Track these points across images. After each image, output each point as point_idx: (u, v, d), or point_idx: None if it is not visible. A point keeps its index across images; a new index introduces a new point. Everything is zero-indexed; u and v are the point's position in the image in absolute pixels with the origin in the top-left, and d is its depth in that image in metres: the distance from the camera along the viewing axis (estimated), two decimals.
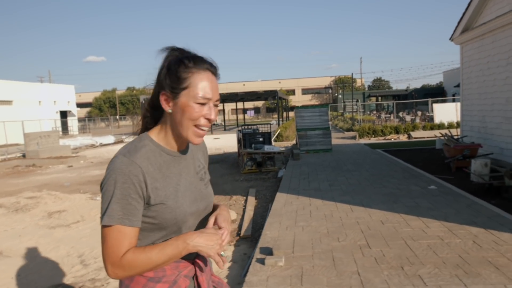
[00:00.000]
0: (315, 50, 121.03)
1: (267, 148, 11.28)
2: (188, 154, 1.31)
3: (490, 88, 8.46)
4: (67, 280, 4.28)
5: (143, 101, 29.48)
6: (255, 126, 12.75)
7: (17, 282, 4.29)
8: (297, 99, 63.56)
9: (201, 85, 1.15)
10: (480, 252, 3.83)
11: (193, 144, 1.23)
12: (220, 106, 45.99)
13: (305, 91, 66.11)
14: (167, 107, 1.18)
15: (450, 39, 10.05)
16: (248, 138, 11.84)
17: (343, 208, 5.78)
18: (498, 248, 3.89)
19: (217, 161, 14.04)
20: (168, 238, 1.21)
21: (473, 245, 4.01)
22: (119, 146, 22.56)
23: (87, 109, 65.89)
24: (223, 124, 38.22)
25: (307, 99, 64.53)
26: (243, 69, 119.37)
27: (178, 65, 1.16)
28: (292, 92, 64.48)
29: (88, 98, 67.46)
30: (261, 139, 11.90)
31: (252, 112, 56.91)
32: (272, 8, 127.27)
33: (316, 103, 62.71)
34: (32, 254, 5.20)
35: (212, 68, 1.20)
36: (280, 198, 6.71)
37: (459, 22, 9.45)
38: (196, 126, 1.17)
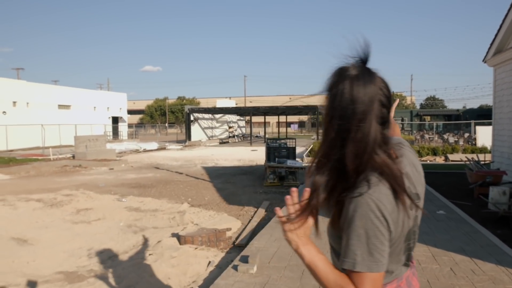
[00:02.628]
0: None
1: (289, 162, 11.48)
2: None
3: None
4: (70, 268, 4.81)
5: (188, 111, 30.88)
6: (282, 141, 12.99)
7: (29, 267, 4.90)
8: None
9: None
10: (451, 279, 3.82)
11: None
12: (262, 119, 46.66)
13: None
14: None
15: (483, 61, 9.71)
16: (272, 151, 12.11)
17: None
18: (471, 277, 3.84)
19: (246, 173, 14.44)
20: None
21: (448, 272, 3.99)
22: (161, 153, 23.76)
23: (140, 116, 69.67)
24: (263, 136, 38.80)
25: None
26: (289, 82, 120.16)
27: None
28: None
29: (142, 105, 71.37)
30: (285, 153, 12.11)
31: (296, 125, 56.96)
32: (321, 26, 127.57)
33: None
34: (51, 243, 5.85)
35: None
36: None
37: (491, 44, 9.13)
38: None
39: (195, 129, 32.09)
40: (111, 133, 36.29)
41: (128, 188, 11.18)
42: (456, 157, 15.74)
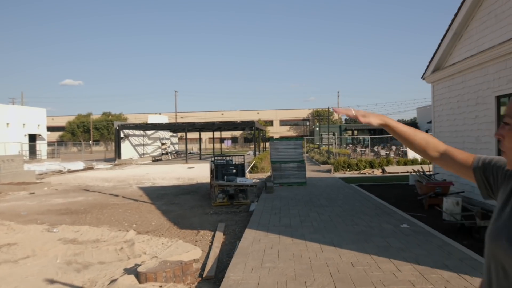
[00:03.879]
0: (293, 83, 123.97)
1: (239, 180, 10.99)
2: None
3: (461, 126, 8.60)
4: None
5: (117, 127, 28.93)
6: (228, 157, 12.49)
7: None
8: (275, 130, 64.05)
9: None
10: None
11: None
12: (197, 135, 45.65)
13: (283, 123, 66.82)
14: None
15: (422, 77, 10.30)
16: (220, 169, 11.54)
17: (313, 247, 5.51)
18: None
19: (189, 192, 13.61)
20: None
21: None
22: (89, 173, 21.71)
23: (60, 133, 64.09)
24: (199, 153, 37.82)
25: (285, 131, 65.12)
26: (220, 98, 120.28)
27: None
28: (270, 123, 65.00)
29: (62, 122, 65.78)
30: (234, 171, 11.62)
31: (230, 141, 56.76)
32: (253, 40, 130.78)
33: (294, 134, 63.33)
34: None
35: None
36: (249, 235, 6.38)
37: (430, 62, 9.71)
38: None
39: (125, 146, 30.13)
40: (27, 153, 32.51)
41: (57, 216, 9.77)
42: (392, 169, 16.60)
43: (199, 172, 20.89)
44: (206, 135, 54.88)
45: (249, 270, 4.63)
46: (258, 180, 14.69)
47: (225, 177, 11.22)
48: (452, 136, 9.07)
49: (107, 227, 8.36)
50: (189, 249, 6.26)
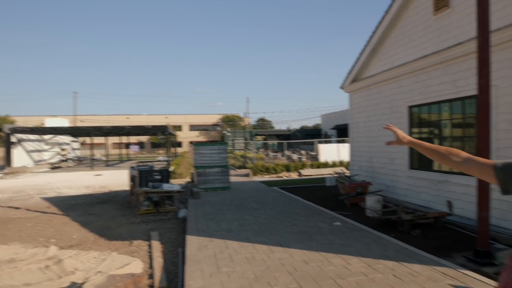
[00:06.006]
0: (200, 87, 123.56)
1: (166, 186, 10.60)
2: None
3: (377, 132, 9.58)
4: None
5: (9, 131, 25.40)
6: (150, 163, 11.93)
7: None
8: (185, 135, 63.02)
9: None
10: (403, 285, 4.04)
11: None
12: (100, 140, 42.54)
13: (193, 128, 66.09)
14: None
15: (340, 87, 11.22)
16: (145, 175, 10.97)
17: (262, 249, 5.61)
18: (416, 280, 4.16)
19: (104, 201, 12.62)
20: None
21: (394, 279, 4.22)
22: None
23: None
24: (104, 159, 35.21)
25: (195, 136, 64.48)
26: (124, 102, 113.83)
27: None
28: (179, 128, 63.75)
29: None
30: (159, 177, 11.15)
31: (136, 147, 54.04)
32: (158, 44, 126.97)
33: (204, 139, 63.08)
34: None
35: None
36: (192, 241, 6.21)
37: (349, 73, 10.65)
38: None
39: (18, 152, 26.61)
40: None
41: None
42: (307, 172, 17.63)
43: (110, 180, 19.49)
44: (110, 140, 51.40)
45: (207, 276, 4.52)
46: (180, 186, 14.31)
47: (150, 183, 10.72)
48: (368, 141, 10.05)
49: (18, 244, 7.33)
50: (128, 261, 5.85)
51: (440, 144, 7.67)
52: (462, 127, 7.14)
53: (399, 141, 1.84)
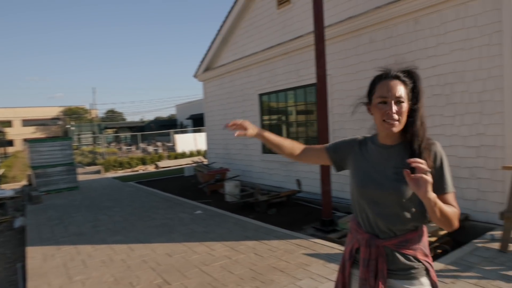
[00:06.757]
0: (32, 75, 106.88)
1: None
2: (394, 149, 1.55)
3: (231, 120, 9.90)
4: None
5: None
6: None
7: None
8: (17, 132, 53.85)
9: (379, 88, 1.51)
10: (263, 261, 4.29)
11: (385, 131, 1.51)
12: None
13: (27, 123, 56.90)
14: (370, 113, 1.58)
15: (194, 76, 11.17)
16: None
17: (121, 249, 5.19)
18: (275, 255, 4.47)
19: None
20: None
21: (256, 257, 4.45)
22: None
23: None
24: None
25: (30, 132, 55.66)
26: None
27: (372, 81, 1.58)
28: (8, 123, 54.08)
29: None
30: None
31: None
32: None
33: (43, 135, 55.04)
34: None
35: (389, 75, 1.51)
36: (35, 253, 5.32)
37: (201, 62, 10.67)
38: (384, 121, 1.48)
39: None
40: None
41: None
42: (165, 164, 17.16)
43: None
44: None
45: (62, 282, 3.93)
46: (14, 191, 12.14)
47: None
48: (224, 129, 10.33)
49: None
50: None
51: (287, 129, 8.43)
52: (305, 113, 7.98)
53: (248, 133, 1.74)
